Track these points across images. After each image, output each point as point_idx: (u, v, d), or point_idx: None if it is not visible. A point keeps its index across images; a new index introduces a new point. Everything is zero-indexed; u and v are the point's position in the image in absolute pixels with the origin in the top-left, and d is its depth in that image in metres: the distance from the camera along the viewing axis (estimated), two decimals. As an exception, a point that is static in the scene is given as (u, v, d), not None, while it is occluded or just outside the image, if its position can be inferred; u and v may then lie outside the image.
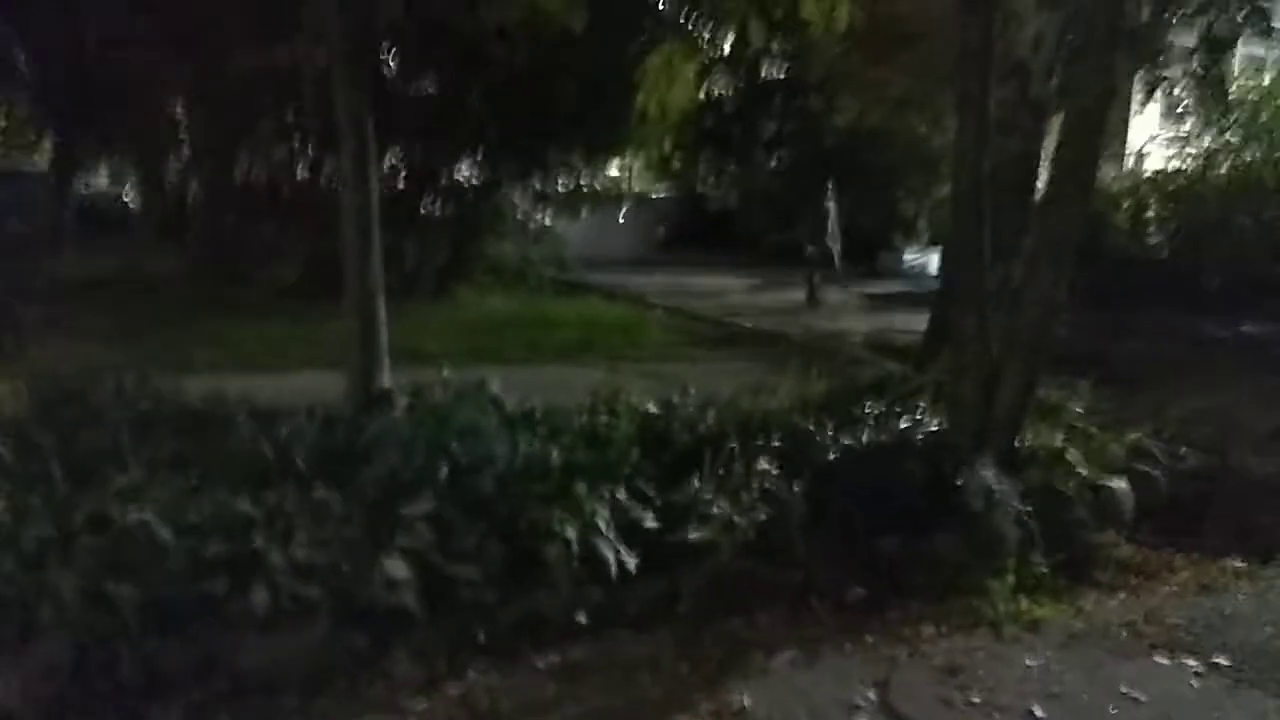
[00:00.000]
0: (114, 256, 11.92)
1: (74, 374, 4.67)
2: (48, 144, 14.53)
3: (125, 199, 16.73)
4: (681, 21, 16.53)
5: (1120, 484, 5.01)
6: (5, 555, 3.28)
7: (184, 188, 13.85)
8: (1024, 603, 4.27)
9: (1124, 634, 4.09)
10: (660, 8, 12.24)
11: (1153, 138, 14.43)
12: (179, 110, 13.14)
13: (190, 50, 10.43)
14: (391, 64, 11.50)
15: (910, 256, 18.42)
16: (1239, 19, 12.07)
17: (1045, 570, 4.47)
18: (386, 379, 5.42)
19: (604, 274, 14.10)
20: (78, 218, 13.91)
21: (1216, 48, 10.94)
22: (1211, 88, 12.48)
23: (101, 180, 16.94)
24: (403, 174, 12.44)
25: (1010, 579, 4.37)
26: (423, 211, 12.59)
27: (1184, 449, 5.57)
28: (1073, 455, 4.97)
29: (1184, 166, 12.21)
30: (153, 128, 12.91)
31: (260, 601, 3.39)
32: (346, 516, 3.81)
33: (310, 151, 11.90)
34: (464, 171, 12.85)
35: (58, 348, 6.63)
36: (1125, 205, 10.97)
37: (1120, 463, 5.17)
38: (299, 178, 12.19)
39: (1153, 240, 10.43)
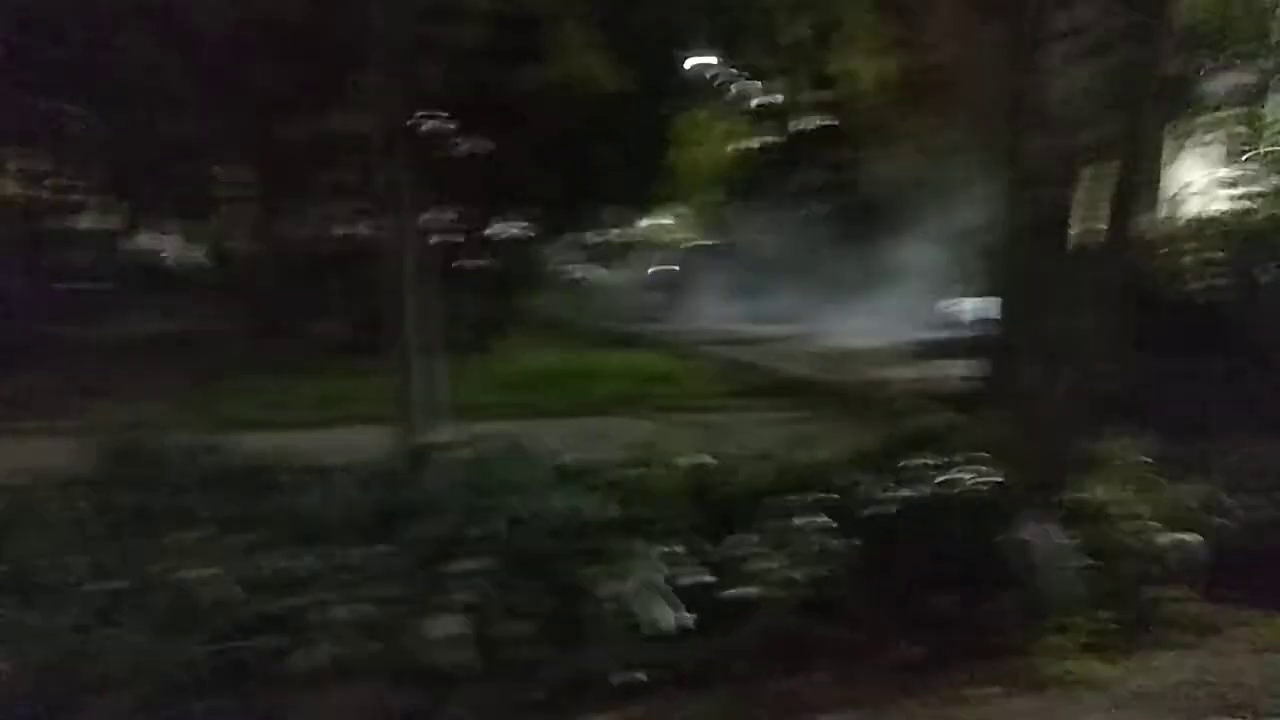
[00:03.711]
0: (169, 314, 12.23)
1: (136, 431, 4.77)
2: (107, 206, 15.06)
3: (179, 258, 17.23)
4: (714, 80, 16.87)
5: (1185, 536, 4.81)
6: (72, 612, 3.34)
7: (236, 247, 14.25)
8: (1083, 661, 4.14)
9: (1194, 693, 3.95)
10: (695, 67, 12.47)
11: (1192, 183, 14.29)
12: (232, 173, 13.57)
13: (244, 116, 10.80)
14: (436, 125, 11.79)
15: (948, 304, 18.31)
16: (1272, 67, 12.06)
17: (1109, 627, 4.34)
18: (435, 433, 5.47)
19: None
20: (134, 277, 14.34)
21: (1252, 94, 10.92)
22: (1248, 133, 12.43)
23: (157, 240, 17.48)
24: (447, 231, 12.68)
25: (1068, 636, 4.25)
26: (467, 267, 12.81)
27: (1245, 500, 5.37)
28: (1129, 508, 4.84)
29: (1231, 210, 12.06)
30: (206, 189, 13.34)
31: (315, 657, 3.41)
32: (398, 573, 3.83)
33: (358, 211, 12.20)
34: (507, 227, 13.10)
35: (116, 405, 6.79)
36: (1169, 251, 10.82)
37: (1179, 515, 5.01)
38: (347, 237, 12.49)
39: (1204, 285, 10.24)
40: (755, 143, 19.95)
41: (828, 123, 19.12)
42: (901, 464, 5.07)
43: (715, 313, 17.27)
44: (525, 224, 13.04)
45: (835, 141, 19.25)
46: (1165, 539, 4.75)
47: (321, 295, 12.48)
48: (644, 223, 16.34)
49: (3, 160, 13.98)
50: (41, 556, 3.65)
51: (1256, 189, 12.26)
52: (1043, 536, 4.40)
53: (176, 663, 3.27)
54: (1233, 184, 12.96)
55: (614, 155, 12.22)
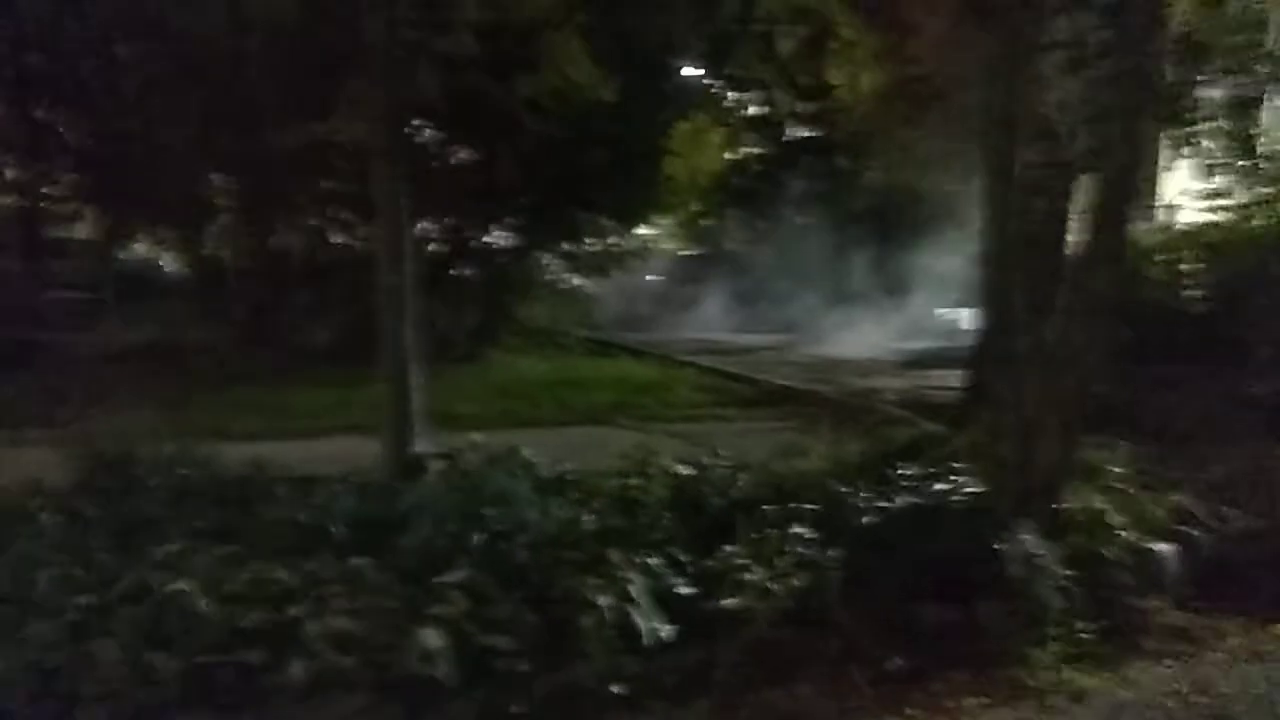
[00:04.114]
0: (154, 323, 12.21)
1: (116, 443, 4.76)
2: (93, 215, 15.03)
3: (165, 267, 17.22)
4: (708, 88, 16.91)
5: (1165, 547, 4.86)
6: (49, 625, 3.32)
7: (222, 256, 14.24)
8: (1068, 672, 4.15)
9: (1172, 704, 3.97)
10: (687, 77, 12.49)
11: (1184, 192, 14.39)
12: (219, 181, 13.55)
13: (231, 125, 10.79)
14: (427, 133, 11.82)
15: (938, 314, 18.38)
16: (1265, 77, 12.16)
17: (1090, 638, 4.36)
18: (421, 444, 5.46)
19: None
20: (122, 285, 14.32)
21: (1244, 105, 11.03)
22: (1240, 142, 12.53)
23: (142, 249, 17.48)
24: (436, 239, 12.69)
25: (1054, 647, 4.26)
26: (456, 275, 12.82)
27: (1229, 510, 5.41)
28: (1115, 518, 4.86)
29: (1218, 220, 12.13)
30: (193, 199, 13.33)
31: (297, 672, 3.39)
32: (382, 586, 3.82)
33: (345, 220, 12.20)
34: (496, 236, 13.11)
35: (100, 416, 6.76)
36: (1160, 260, 10.87)
37: (1164, 525, 5.03)
38: (334, 246, 12.49)
39: (1189, 295, 10.30)
40: (747, 153, 20.02)
41: (820, 133, 19.21)
42: (888, 474, 5.11)
43: (706, 322, 17.31)
44: (516, 233, 13.06)
45: (828, 152, 19.35)
46: (1147, 549, 4.77)
47: (310, 305, 12.47)
48: (636, 232, 16.36)
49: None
50: (19, 568, 3.63)
51: (1247, 199, 12.33)
52: (1027, 547, 4.42)
53: (157, 677, 3.25)
54: (1224, 194, 13.05)
55: (606, 164, 12.24)
